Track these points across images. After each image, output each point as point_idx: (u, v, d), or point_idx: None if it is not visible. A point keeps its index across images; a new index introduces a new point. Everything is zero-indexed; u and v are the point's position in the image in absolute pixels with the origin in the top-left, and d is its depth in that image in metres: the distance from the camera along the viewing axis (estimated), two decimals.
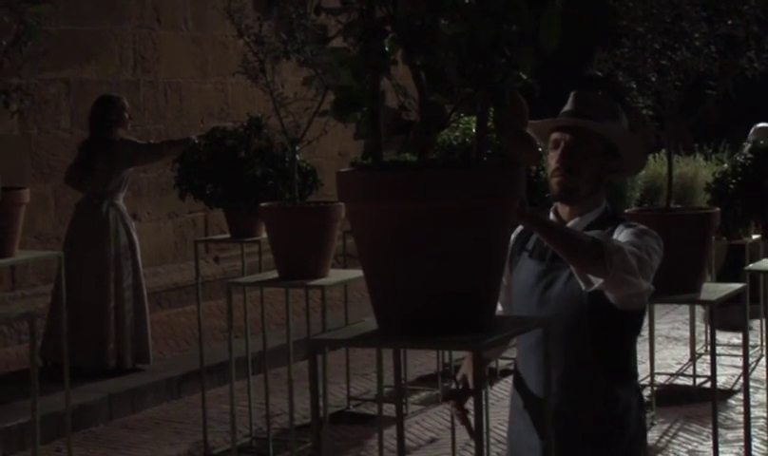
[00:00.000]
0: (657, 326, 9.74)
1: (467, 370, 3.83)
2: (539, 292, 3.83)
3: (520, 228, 3.91)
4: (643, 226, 3.84)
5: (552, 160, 3.87)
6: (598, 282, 3.61)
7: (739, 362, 8.96)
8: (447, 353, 8.67)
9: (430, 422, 8.05)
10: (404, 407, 7.77)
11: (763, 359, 8.62)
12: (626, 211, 5.27)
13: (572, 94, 3.97)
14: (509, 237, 2.94)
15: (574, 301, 3.75)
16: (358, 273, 5.93)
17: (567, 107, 3.94)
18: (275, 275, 6.22)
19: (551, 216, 3.94)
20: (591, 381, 3.82)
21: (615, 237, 3.77)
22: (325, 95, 5.51)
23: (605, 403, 3.84)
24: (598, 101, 3.96)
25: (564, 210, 3.91)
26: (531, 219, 3.51)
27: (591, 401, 3.83)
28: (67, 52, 10.25)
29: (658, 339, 9.55)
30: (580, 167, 3.84)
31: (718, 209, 5.34)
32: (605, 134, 3.86)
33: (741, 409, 6.77)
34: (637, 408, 3.91)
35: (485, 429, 6.45)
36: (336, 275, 6.26)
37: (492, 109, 2.82)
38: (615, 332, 3.84)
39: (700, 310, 9.54)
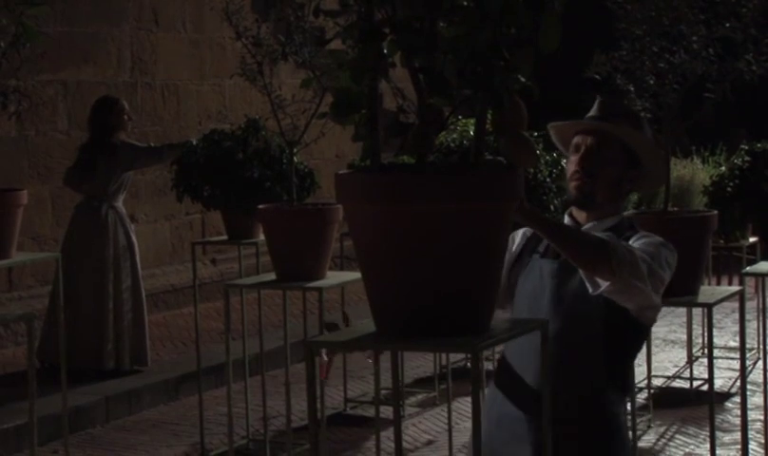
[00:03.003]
0: (654, 329, 9.72)
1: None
2: (552, 289, 3.77)
3: (531, 231, 3.86)
4: (660, 238, 3.78)
5: (572, 163, 3.85)
6: (604, 285, 3.56)
7: (737, 365, 8.98)
8: (444, 356, 8.66)
9: (426, 424, 8.05)
10: (401, 409, 7.77)
11: (760, 362, 8.63)
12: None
13: (598, 100, 3.95)
14: (508, 240, 2.93)
15: (590, 300, 3.68)
16: (356, 275, 5.94)
17: (592, 112, 3.92)
18: (272, 276, 6.22)
19: (566, 219, 3.90)
20: (596, 386, 3.78)
21: (630, 243, 3.72)
22: (323, 97, 5.51)
23: (604, 413, 3.79)
24: (623, 108, 3.96)
25: (580, 215, 3.87)
26: (531, 218, 3.46)
27: (592, 408, 3.78)
28: (65, 54, 10.24)
29: (655, 342, 9.55)
30: (599, 172, 3.81)
31: (715, 212, 5.34)
32: (628, 141, 3.83)
33: (738, 412, 6.78)
34: (626, 428, 3.88)
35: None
36: (333, 278, 6.26)
37: (491, 112, 2.82)
38: (626, 339, 3.80)
39: (697, 312, 9.54)
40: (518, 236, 3.93)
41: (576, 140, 3.87)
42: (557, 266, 3.76)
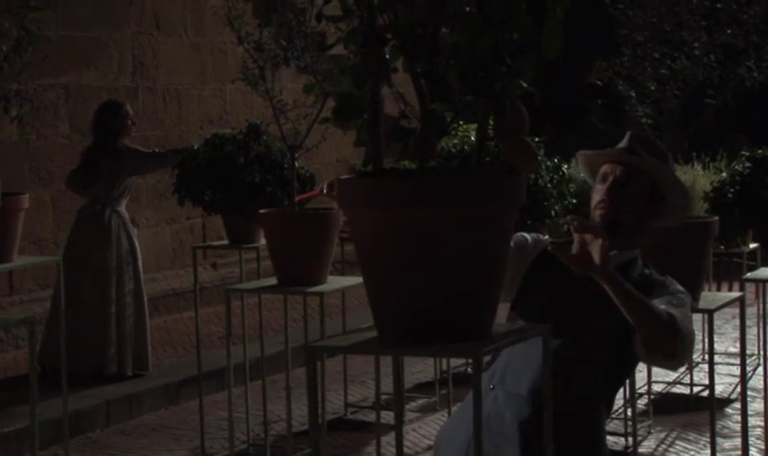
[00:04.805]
0: None
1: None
2: (571, 305, 3.84)
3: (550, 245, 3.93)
4: (683, 291, 3.85)
5: (598, 192, 3.92)
6: (664, 362, 3.70)
7: (737, 371, 8.98)
8: (444, 361, 8.66)
9: (427, 429, 8.05)
10: (401, 414, 7.77)
11: (760, 368, 8.63)
12: None
13: (629, 133, 4.04)
14: (509, 245, 2.93)
15: (607, 316, 3.73)
16: (357, 280, 5.94)
17: (622, 145, 4.00)
18: (273, 281, 6.21)
19: None
20: (595, 400, 3.83)
21: (668, 294, 3.79)
22: (325, 102, 5.51)
23: (596, 428, 3.86)
24: (653, 143, 4.03)
25: None
26: (610, 279, 3.55)
27: (590, 421, 3.83)
28: (67, 58, 10.25)
29: None
30: (625, 203, 3.88)
31: (716, 218, 5.35)
32: (655, 176, 3.91)
33: (739, 418, 6.77)
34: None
35: None
36: (334, 282, 6.26)
37: (493, 117, 2.82)
38: (629, 363, 3.88)
39: (697, 318, 9.53)
40: (542, 243, 3.99)
41: (604, 169, 3.95)
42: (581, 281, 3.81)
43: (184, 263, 11.26)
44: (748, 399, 5.90)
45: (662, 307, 3.66)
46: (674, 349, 3.60)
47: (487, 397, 3.81)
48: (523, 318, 3.81)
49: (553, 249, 3.59)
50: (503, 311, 3.80)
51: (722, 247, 8.69)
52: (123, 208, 8.83)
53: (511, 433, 3.75)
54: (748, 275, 6.62)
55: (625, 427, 7.64)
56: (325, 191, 3.89)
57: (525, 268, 3.95)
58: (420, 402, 8.70)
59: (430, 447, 7.65)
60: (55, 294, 8.38)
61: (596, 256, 3.53)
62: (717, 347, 9.65)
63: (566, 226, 3.66)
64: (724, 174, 7.87)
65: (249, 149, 7.54)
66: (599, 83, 5.23)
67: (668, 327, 3.58)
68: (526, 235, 4.03)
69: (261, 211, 6.28)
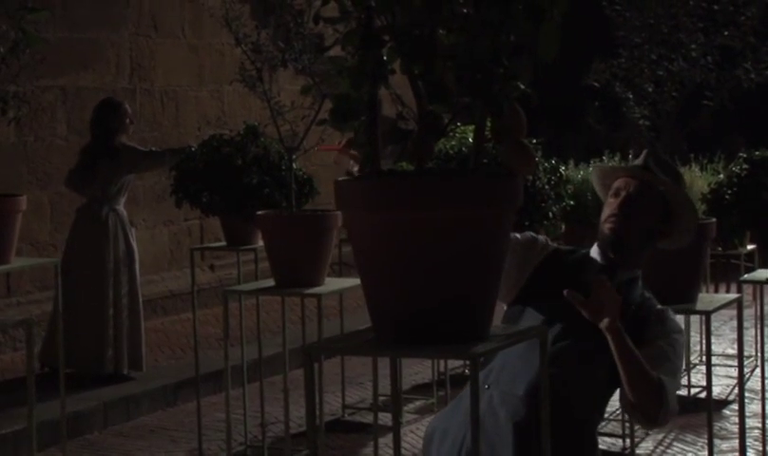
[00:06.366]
0: None
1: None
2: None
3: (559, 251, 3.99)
4: (679, 331, 3.90)
5: (609, 207, 3.95)
6: (640, 421, 3.80)
7: (734, 372, 8.98)
8: (442, 362, 8.67)
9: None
10: (399, 415, 7.76)
11: (758, 370, 8.63)
12: None
13: (645, 151, 4.09)
14: (507, 246, 2.93)
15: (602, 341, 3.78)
16: (354, 281, 5.94)
17: (638, 162, 4.05)
18: (271, 283, 6.22)
19: (595, 249, 3.99)
20: (588, 405, 3.86)
21: (663, 336, 3.83)
22: (322, 104, 5.51)
23: (593, 436, 3.90)
24: (668, 163, 4.09)
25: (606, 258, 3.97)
26: (616, 335, 3.64)
27: (586, 429, 3.87)
28: (64, 60, 10.25)
29: None
30: (636, 218, 3.91)
31: (713, 220, 5.35)
32: (668, 195, 3.95)
33: (736, 420, 6.78)
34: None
35: None
36: (332, 284, 6.26)
37: (490, 119, 2.82)
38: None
39: (695, 320, 9.54)
40: (549, 248, 4.01)
41: (618, 184, 3.99)
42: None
43: (182, 265, 11.25)
44: (746, 401, 5.91)
45: (656, 373, 3.72)
46: (655, 416, 3.71)
47: (482, 397, 3.81)
48: (526, 321, 3.82)
49: (568, 294, 3.66)
50: (501, 312, 3.81)
51: (720, 249, 8.69)
52: (121, 206, 8.82)
53: (506, 433, 3.75)
54: (746, 276, 6.62)
55: (623, 428, 7.65)
56: (343, 143, 4.03)
57: (529, 270, 3.95)
58: (418, 403, 8.70)
59: None
60: (56, 295, 8.38)
61: (609, 309, 3.64)
62: (714, 348, 9.65)
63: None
64: (722, 175, 7.87)
65: (247, 151, 7.53)
66: (596, 84, 5.24)
67: (656, 396, 3.68)
68: (536, 235, 4.06)
69: (259, 212, 6.29)
